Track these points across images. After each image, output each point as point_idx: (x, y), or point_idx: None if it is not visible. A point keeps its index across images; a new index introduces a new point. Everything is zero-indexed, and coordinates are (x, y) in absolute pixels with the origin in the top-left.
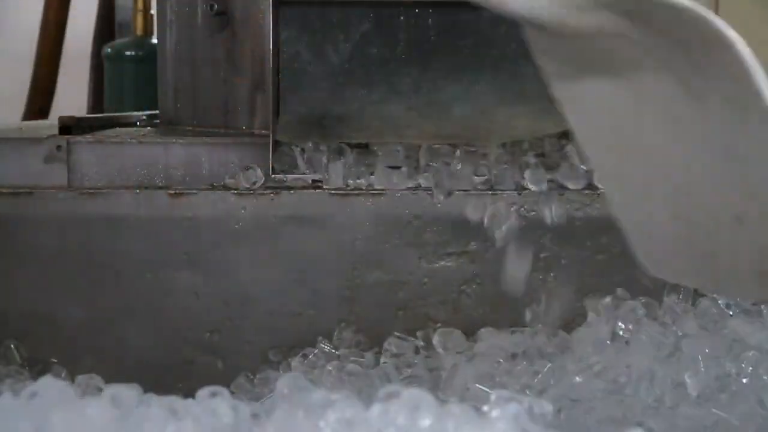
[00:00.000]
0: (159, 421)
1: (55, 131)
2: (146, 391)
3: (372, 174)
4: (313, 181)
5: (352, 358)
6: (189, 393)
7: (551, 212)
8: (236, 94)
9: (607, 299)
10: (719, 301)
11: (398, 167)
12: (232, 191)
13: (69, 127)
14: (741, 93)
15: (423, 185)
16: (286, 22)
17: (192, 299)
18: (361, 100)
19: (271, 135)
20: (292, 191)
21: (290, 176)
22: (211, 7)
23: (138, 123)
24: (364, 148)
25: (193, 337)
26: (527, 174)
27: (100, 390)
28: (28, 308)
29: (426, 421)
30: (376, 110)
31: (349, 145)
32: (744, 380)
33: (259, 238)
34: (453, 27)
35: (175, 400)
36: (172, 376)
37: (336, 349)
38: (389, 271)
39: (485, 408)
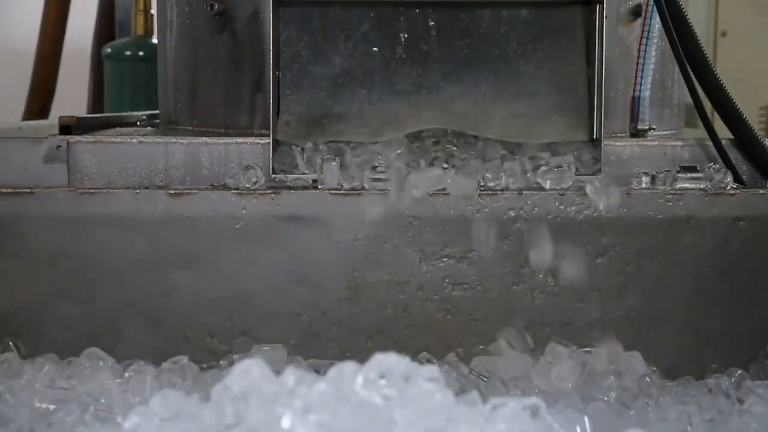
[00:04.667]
0: None
1: (55, 131)
2: None
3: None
4: (313, 181)
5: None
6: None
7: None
8: (236, 94)
9: None
10: None
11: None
12: (232, 191)
13: (69, 127)
14: None
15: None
16: (286, 22)
17: (192, 299)
18: (361, 99)
19: (271, 135)
20: (292, 191)
21: (290, 176)
22: (211, 7)
23: (138, 123)
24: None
25: (193, 336)
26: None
27: None
28: (28, 307)
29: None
30: (376, 110)
31: (347, 144)
32: None
33: (259, 238)
34: (453, 27)
35: None
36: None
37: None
38: (389, 271)
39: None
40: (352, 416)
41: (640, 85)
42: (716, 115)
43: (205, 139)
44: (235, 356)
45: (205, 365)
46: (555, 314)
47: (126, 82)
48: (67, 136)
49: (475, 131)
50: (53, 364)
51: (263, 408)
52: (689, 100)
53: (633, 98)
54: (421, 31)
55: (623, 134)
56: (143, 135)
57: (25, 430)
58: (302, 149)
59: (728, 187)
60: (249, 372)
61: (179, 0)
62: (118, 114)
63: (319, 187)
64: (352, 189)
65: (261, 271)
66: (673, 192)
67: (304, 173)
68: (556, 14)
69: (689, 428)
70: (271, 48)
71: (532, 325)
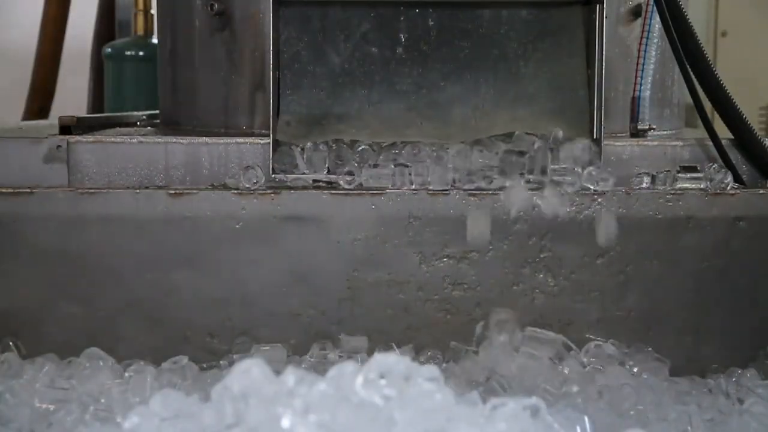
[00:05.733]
0: None
1: (55, 131)
2: None
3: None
4: (314, 180)
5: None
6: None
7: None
8: (236, 94)
9: None
10: None
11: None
12: (232, 191)
13: (69, 127)
14: None
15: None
16: (286, 22)
17: (192, 299)
18: (361, 100)
19: (271, 135)
20: (292, 191)
21: (290, 176)
22: (211, 7)
23: (138, 123)
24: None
25: (193, 336)
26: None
27: None
28: (28, 307)
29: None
30: (376, 110)
31: (348, 145)
32: None
33: (259, 238)
34: (453, 27)
35: None
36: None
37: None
38: (389, 271)
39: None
40: (352, 416)
41: (640, 85)
42: (716, 115)
43: (205, 139)
44: (235, 356)
45: (205, 365)
46: (555, 314)
47: (126, 82)
48: (67, 136)
49: (476, 135)
50: (53, 364)
51: (263, 408)
52: (689, 100)
53: (633, 98)
54: (421, 31)
55: (623, 134)
56: (143, 135)
57: (25, 430)
58: (302, 149)
59: (728, 187)
60: (249, 372)
61: (179, 0)
62: (118, 114)
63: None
64: (352, 189)
65: (261, 271)
66: (673, 192)
67: (304, 173)
68: (556, 14)
69: (689, 428)
70: (271, 48)
71: (532, 325)
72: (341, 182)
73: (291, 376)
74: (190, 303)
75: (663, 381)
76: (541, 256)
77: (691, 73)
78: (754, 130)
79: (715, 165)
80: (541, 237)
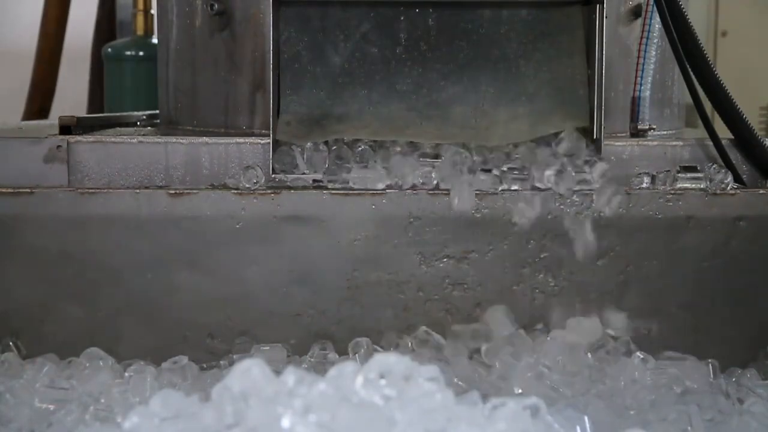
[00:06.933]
0: None
1: (55, 131)
2: None
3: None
4: (314, 180)
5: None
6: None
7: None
8: (236, 94)
9: None
10: None
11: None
12: (232, 191)
13: (69, 127)
14: None
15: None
16: (286, 22)
17: (192, 299)
18: (361, 100)
19: (271, 135)
20: (292, 191)
21: (290, 176)
22: (211, 6)
23: (138, 123)
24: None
25: (193, 336)
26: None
27: None
28: (28, 307)
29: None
30: (376, 110)
31: (348, 145)
32: None
33: (259, 238)
34: (453, 27)
35: None
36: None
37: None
38: (389, 271)
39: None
40: (352, 416)
41: (640, 85)
42: (716, 115)
43: (205, 139)
44: (235, 356)
45: (205, 365)
46: (555, 314)
47: (126, 82)
48: (67, 136)
49: (475, 135)
50: (53, 364)
51: (263, 408)
52: (689, 100)
53: (633, 98)
54: (421, 31)
55: (623, 134)
56: (143, 135)
57: (25, 430)
58: (302, 149)
59: (728, 187)
60: (249, 372)
61: (179, 0)
62: (118, 114)
63: (328, 184)
64: (352, 189)
65: (261, 271)
66: (673, 192)
67: (304, 173)
68: (556, 14)
69: (689, 428)
70: (271, 48)
71: (532, 325)
72: (327, 183)
73: (291, 376)
74: (190, 303)
75: (663, 381)
76: (541, 256)
77: (691, 73)
78: (754, 130)
79: (715, 165)
80: (541, 237)
